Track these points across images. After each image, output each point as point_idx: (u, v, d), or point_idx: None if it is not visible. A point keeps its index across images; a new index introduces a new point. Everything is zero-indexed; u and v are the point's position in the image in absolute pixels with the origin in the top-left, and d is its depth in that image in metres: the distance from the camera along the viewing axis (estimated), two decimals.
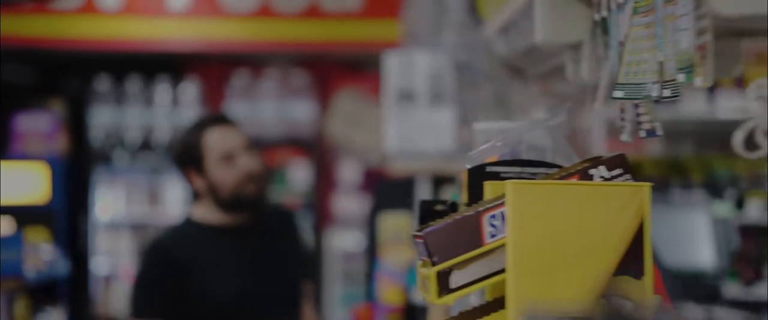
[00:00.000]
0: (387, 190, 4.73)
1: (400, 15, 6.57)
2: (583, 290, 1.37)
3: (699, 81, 1.30)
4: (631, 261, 1.39)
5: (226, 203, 3.31)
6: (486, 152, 1.70)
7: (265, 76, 8.46)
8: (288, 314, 3.39)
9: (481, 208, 1.45)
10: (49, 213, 6.94)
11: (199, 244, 3.33)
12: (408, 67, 4.09)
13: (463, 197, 1.65)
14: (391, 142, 4.14)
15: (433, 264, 1.43)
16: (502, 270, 1.43)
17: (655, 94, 1.47)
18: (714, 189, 4.67)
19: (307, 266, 3.68)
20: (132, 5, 7.62)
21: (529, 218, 1.39)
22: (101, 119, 8.47)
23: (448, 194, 4.06)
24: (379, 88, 7.98)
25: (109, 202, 8.41)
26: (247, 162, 3.29)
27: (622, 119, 1.72)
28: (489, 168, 1.62)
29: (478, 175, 1.60)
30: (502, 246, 1.43)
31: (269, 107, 8.41)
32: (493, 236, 1.43)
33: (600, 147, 4.13)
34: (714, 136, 4.86)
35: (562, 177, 1.49)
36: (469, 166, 1.63)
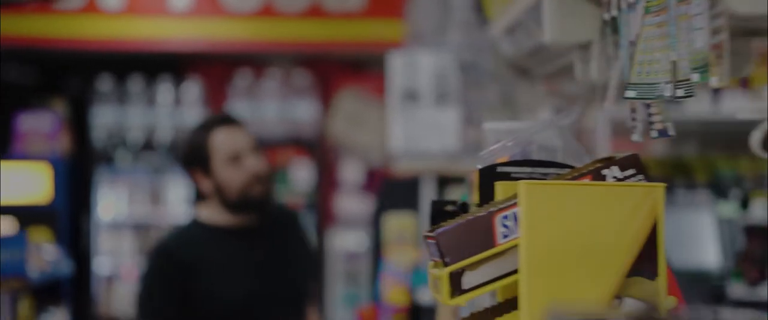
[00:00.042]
0: (391, 190, 4.73)
1: (402, 15, 6.56)
2: (597, 291, 1.37)
3: (714, 81, 1.30)
4: (644, 261, 1.38)
5: (233, 204, 3.30)
6: (497, 152, 1.69)
7: (267, 75, 8.46)
8: (294, 315, 3.38)
9: (493, 209, 1.44)
10: (51, 213, 6.94)
11: (206, 245, 3.32)
12: (412, 67, 4.08)
13: (474, 197, 1.64)
14: (395, 142, 4.13)
15: (446, 264, 1.42)
16: (515, 271, 1.43)
17: (668, 93, 1.46)
18: (719, 190, 4.65)
19: (312, 266, 3.67)
20: (134, 5, 7.62)
21: (542, 219, 1.38)
22: (103, 119, 8.46)
23: (453, 194, 4.05)
24: (381, 88, 7.98)
25: (111, 202, 8.40)
26: (254, 163, 3.28)
27: (634, 119, 1.71)
28: (500, 169, 1.61)
29: (489, 176, 1.60)
30: (515, 246, 1.42)
31: (271, 107, 8.40)
32: (505, 237, 1.42)
33: (605, 147, 4.12)
34: (718, 136, 4.85)
35: (574, 178, 1.48)
36: (479, 167, 1.62)
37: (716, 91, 3.82)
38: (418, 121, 4.05)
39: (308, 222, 7.77)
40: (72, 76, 8.45)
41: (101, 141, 8.42)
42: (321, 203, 8.30)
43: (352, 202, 8.22)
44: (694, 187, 4.72)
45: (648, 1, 1.53)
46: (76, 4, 7.52)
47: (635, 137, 1.70)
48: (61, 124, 7.28)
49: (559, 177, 1.53)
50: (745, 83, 2.45)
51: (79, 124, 8.03)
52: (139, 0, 7.65)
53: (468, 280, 1.43)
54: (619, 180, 1.46)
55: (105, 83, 8.52)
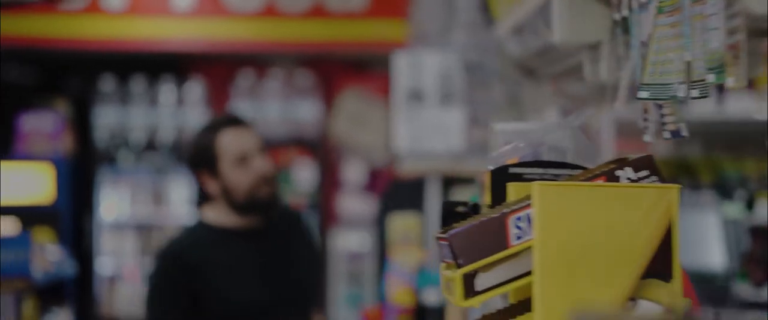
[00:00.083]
0: (397, 191, 4.72)
1: (405, 15, 6.55)
2: (611, 293, 1.36)
3: (731, 81, 1.29)
4: (659, 263, 1.37)
5: (240, 205, 3.28)
6: (508, 153, 1.68)
7: (269, 75, 8.45)
8: (301, 315, 3.38)
9: (506, 210, 1.43)
10: (53, 213, 6.93)
11: (213, 247, 3.30)
12: (417, 67, 4.07)
13: (486, 198, 1.63)
14: (400, 143, 4.12)
15: (459, 266, 1.41)
16: (528, 273, 1.42)
17: (681, 94, 1.45)
18: (723, 190, 4.64)
19: (318, 267, 3.66)
20: (136, 5, 7.61)
21: (555, 220, 1.37)
22: (106, 119, 8.46)
23: (458, 195, 4.05)
24: (384, 88, 7.98)
25: (113, 202, 8.40)
26: (262, 164, 3.26)
27: (646, 120, 1.70)
28: (512, 170, 1.60)
29: (501, 177, 1.59)
30: (528, 248, 1.41)
31: (274, 107, 8.40)
32: (519, 238, 1.41)
33: (609, 147, 4.11)
34: (722, 136, 4.83)
35: (587, 179, 1.47)
36: (491, 168, 1.61)
37: (721, 92, 3.81)
38: (423, 122, 4.04)
39: (311, 223, 7.76)
40: (74, 76, 8.45)
41: (104, 141, 8.41)
42: (323, 203, 8.29)
43: (355, 202, 8.22)
44: (699, 188, 4.71)
45: (661, 1, 1.52)
46: (79, 4, 7.51)
47: (647, 138, 1.69)
48: (63, 125, 7.27)
49: (572, 178, 1.52)
50: (750, 84, 2.44)
51: (81, 124, 8.02)
52: (142, 0, 7.64)
53: (481, 282, 1.42)
54: (633, 181, 1.45)
55: (107, 83, 8.51)
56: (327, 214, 8.27)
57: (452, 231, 1.42)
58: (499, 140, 1.89)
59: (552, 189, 1.38)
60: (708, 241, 4.50)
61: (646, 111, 1.69)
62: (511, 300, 1.52)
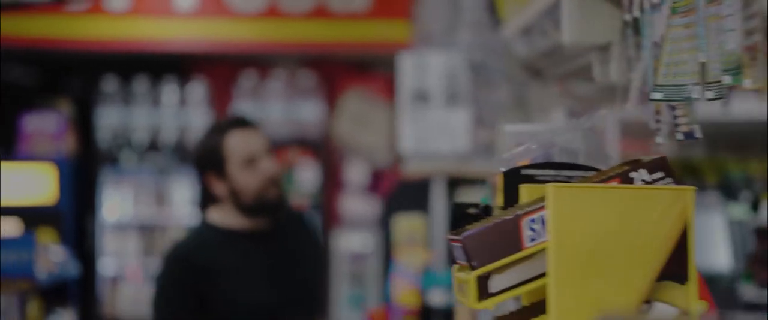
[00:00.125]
0: (402, 191, 4.71)
1: (407, 15, 6.54)
2: (626, 295, 1.35)
3: (748, 83, 1.28)
4: (674, 266, 1.36)
5: (248, 207, 3.26)
6: (520, 155, 1.68)
7: (272, 76, 8.45)
8: (308, 317, 3.37)
9: (520, 212, 1.42)
10: (56, 214, 6.91)
11: (220, 249, 3.29)
12: (422, 68, 4.06)
13: (498, 200, 1.62)
14: (405, 143, 4.11)
15: (473, 268, 1.40)
16: (542, 275, 1.41)
17: (696, 95, 1.44)
18: (729, 191, 4.63)
19: (323, 268, 3.66)
20: (139, 5, 7.61)
21: (570, 222, 1.37)
22: (108, 120, 8.45)
23: (463, 195, 4.04)
24: (386, 89, 7.97)
25: (116, 203, 8.39)
26: (270, 166, 3.25)
27: (658, 121, 1.69)
28: (524, 171, 1.60)
29: (514, 178, 1.58)
30: (542, 250, 1.40)
31: (276, 108, 8.40)
32: (533, 240, 1.41)
33: (614, 148, 4.10)
34: (727, 137, 4.82)
35: (601, 181, 1.46)
36: (504, 169, 1.60)
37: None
38: (428, 122, 4.03)
39: (315, 223, 7.75)
40: (77, 76, 8.44)
41: (106, 142, 8.41)
42: (326, 204, 8.29)
43: (357, 203, 8.21)
44: (704, 189, 4.70)
45: (675, 2, 1.52)
46: (83, 6, 7.50)
47: (660, 139, 1.68)
48: (66, 125, 7.25)
49: (585, 179, 1.51)
50: None
51: (84, 125, 8.02)
52: (144, 0, 7.63)
53: (495, 284, 1.41)
54: (648, 183, 1.44)
55: (110, 84, 8.51)
56: (329, 215, 8.27)
57: (466, 233, 1.41)
58: (509, 141, 1.89)
59: (566, 191, 1.38)
60: (713, 242, 4.49)
61: (658, 112, 1.68)
62: (525, 302, 1.51)
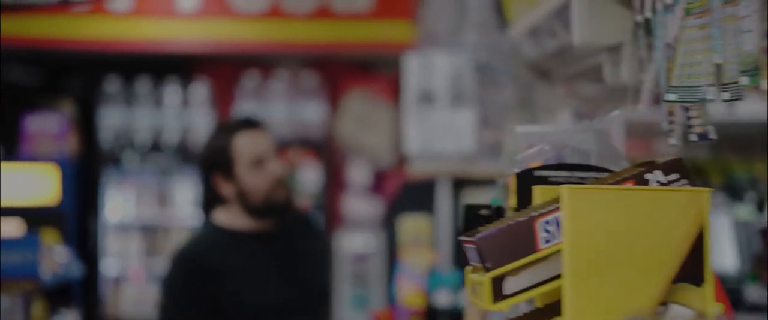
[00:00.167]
0: (407, 192, 4.70)
1: (411, 15, 6.53)
2: (642, 297, 1.35)
3: (764, 84, 1.27)
4: (690, 268, 1.36)
5: (256, 209, 3.25)
6: (532, 156, 1.67)
7: (275, 76, 8.44)
8: (315, 317, 3.36)
9: (534, 213, 1.41)
10: (58, 214, 6.91)
11: (228, 250, 3.28)
12: (428, 68, 4.05)
13: (511, 202, 1.62)
14: (410, 144, 4.10)
15: (487, 270, 1.39)
16: (556, 277, 1.40)
17: (711, 96, 1.44)
18: (734, 192, 4.62)
19: (328, 268, 3.65)
20: (141, 6, 7.60)
21: (585, 224, 1.36)
22: (111, 120, 8.44)
23: (469, 196, 4.03)
24: (389, 89, 7.96)
25: (118, 204, 8.39)
26: (277, 167, 3.24)
27: (671, 122, 1.69)
28: (537, 173, 1.59)
29: (527, 180, 1.57)
30: (556, 252, 1.40)
31: (279, 108, 8.39)
32: (547, 242, 1.40)
33: (620, 149, 4.09)
34: (731, 138, 4.81)
35: (616, 182, 1.45)
36: (517, 171, 1.59)
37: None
38: (434, 123, 4.02)
39: (320, 224, 7.75)
40: (79, 76, 8.43)
41: (108, 142, 8.40)
42: (328, 204, 8.28)
43: (360, 204, 8.21)
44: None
45: (689, 3, 1.51)
46: (87, 7, 7.49)
47: (672, 140, 1.67)
48: (68, 126, 7.25)
49: (599, 181, 1.50)
50: (758, 86, 2.43)
51: (86, 126, 8.01)
52: (147, 1, 7.63)
53: (509, 286, 1.41)
54: (663, 184, 1.44)
55: (112, 84, 8.50)
56: (332, 215, 8.26)
57: (480, 235, 1.41)
58: (521, 143, 1.88)
59: (581, 193, 1.37)
60: (719, 243, 4.49)
61: (671, 113, 1.68)
62: (539, 304, 1.50)
